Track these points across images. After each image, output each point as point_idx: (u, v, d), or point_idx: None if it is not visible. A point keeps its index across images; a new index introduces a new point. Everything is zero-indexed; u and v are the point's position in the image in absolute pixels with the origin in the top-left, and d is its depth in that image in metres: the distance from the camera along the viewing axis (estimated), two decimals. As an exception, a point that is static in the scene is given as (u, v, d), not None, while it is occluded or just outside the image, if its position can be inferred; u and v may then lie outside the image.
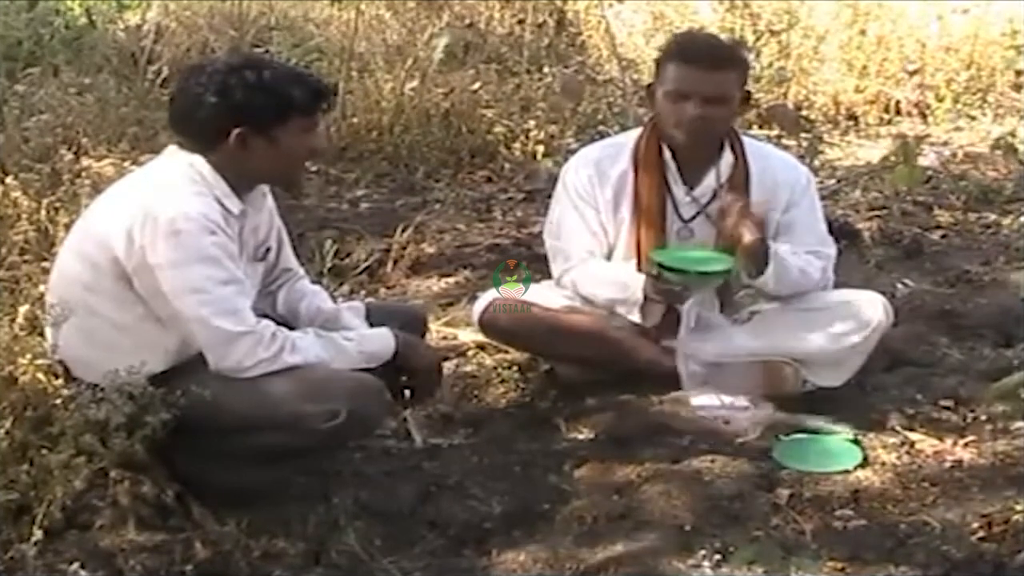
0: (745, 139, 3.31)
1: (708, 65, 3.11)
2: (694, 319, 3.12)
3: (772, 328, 3.22)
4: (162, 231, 2.54)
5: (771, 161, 3.29)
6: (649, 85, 3.26)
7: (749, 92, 3.28)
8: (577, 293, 3.27)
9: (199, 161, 2.65)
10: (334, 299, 3.07)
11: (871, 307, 3.20)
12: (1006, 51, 6.87)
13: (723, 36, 3.64)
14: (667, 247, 3.18)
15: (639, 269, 3.21)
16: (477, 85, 5.92)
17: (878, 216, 4.76)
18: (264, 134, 2.64)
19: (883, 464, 2.90)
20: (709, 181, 3.21)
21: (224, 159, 2.64)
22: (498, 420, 3.22)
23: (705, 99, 3.08)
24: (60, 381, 2.66)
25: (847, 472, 2.85)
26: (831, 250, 3.30)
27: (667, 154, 3.20)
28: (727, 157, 3.21)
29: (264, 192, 2.83)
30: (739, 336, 3.24)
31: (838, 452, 2.94)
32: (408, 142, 5.58)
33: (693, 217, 3.23)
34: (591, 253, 3.26)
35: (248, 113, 2.62)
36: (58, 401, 2.61)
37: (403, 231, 4.42)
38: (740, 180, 3.20)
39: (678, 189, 3.22)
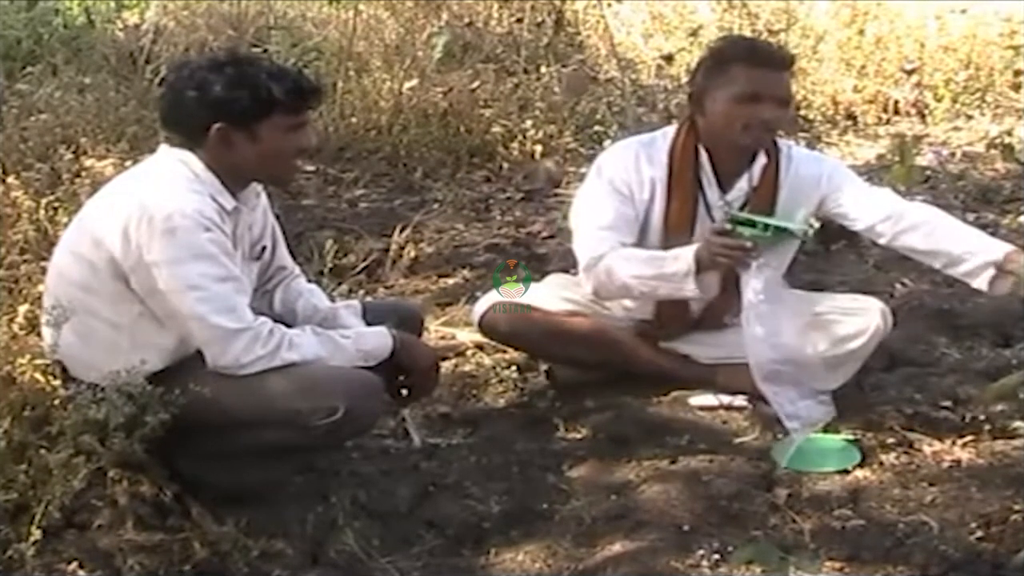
0: (789, 146, 3.28)
1: (781, 67, 3.11)
2: (761, 285, 2.99)
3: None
4: (158, 229, 2.53)
5: (797, 162, 3.23)
6: (698, 90, 3.15)
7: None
8: (610, 281, 3.09)
9: (191, 158, 2.65)
10: (332, 299, 3.07)
11: (870, 313, 3.19)
12: (1004, 51, 6.88)
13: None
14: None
15: None
16: (475, 85, 5.93)
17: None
18: (245, 129, 2.64)
19: (881, 464, 2.90)
20: (742, 184, 3.16)
21: (211, 155, 2.64)
22: (496, 420, 3.22)
23: (778, 101, 3.07)
24: (59, 381, 2.66)
25: (845, 472, 2.85)
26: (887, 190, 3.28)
27: (704, 157, 3.15)
28: (760, 160, 3.16)
29: (258, 191, 2.83)
30: (738, 338, 3.24)
31: (836, 452, 2.94)
32: (406, 142, 5.59)
33: None
34: (623, 244, 3.13)
35: (226, 108, 2.62)
36: (57, 401, 2.62)
37: (401, 231, 4.42)
38: (770, 183, 3.16)
39: (712, 192, 3.17)
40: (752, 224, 2.95)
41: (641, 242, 3.17)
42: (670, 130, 3.24)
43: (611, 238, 3.11)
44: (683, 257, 3.00)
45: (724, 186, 3.18)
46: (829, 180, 3.20)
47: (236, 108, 2.62)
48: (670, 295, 3.09)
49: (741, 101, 3.04)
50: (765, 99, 3.04)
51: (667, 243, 3.14)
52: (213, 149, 2.63)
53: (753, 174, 3.16)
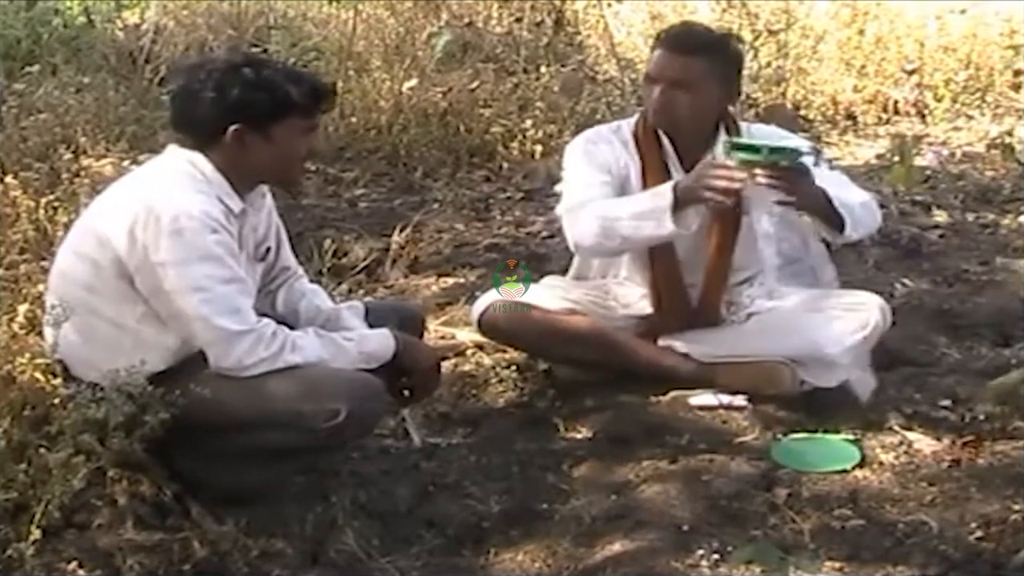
0: (748, 125, 3.30)
1: (675, 49, 3.12)
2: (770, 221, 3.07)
3: (770, 329, 3.22)
4: (165, 229, 2.54)
5: (759, 138, 3.20)
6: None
7: (738, 88, 3.26)
8: (590, 223, 3.09)
9: (200, 160, 2.65)
10: (333, 299, 3.07)
11: (869, 309, 3.20)
12: (1004, 51, 6.89)
13: (715, 28, 3.60)
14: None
15: (648, 261, 3.25)
16: (475, 84, 5.93)
17: (876, 216, 4.76)
18: (261, 132, 2.64)
19: (881, 464, 2.90)
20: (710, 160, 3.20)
21: (223, 157, 2.64)
22: (496, 420, 3.22)
23: (669, 83, 3.09)
24: (59, 380, 2.66)
25: (845, 472, 2.85)
26: (861, 189, 3.29)
27: (664, 140, 3.20)
28: (722, 137, 3.16)
29: (263, 192, 2.83)
30: (737, 337, 3.25)
31: (836, 452, 2.94)
32: (406, 141, 5.59)
33: None
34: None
35: (245, 110, 2.62)
36: (57, 400, 2.61)
37: (401, 230, 4.42)
38: None
39: (677, 174, 3.19)
40: (754, 149, 2.93)
41: None
42: (632, 119, 3.31)
43: (597, 192, 3.15)
44: (662, 192, 3.02)
45: (687, 167, 3.19)
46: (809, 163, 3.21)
47: (254, 110, 2.62)
48: (651, 237, 3.06)
49: (646, 81, 3.17)
50: (658, 80, 3.10)
51: None
52: (227, 151, 2.63)
53: (716, 154, 3.17)
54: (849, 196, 3.12)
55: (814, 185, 2.99)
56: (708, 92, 3.11)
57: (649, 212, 3.01)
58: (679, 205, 2.98)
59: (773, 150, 2.93)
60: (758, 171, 2.92)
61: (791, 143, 3.11)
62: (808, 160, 2.99)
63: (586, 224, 3.11)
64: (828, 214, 3.04)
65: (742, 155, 2.93)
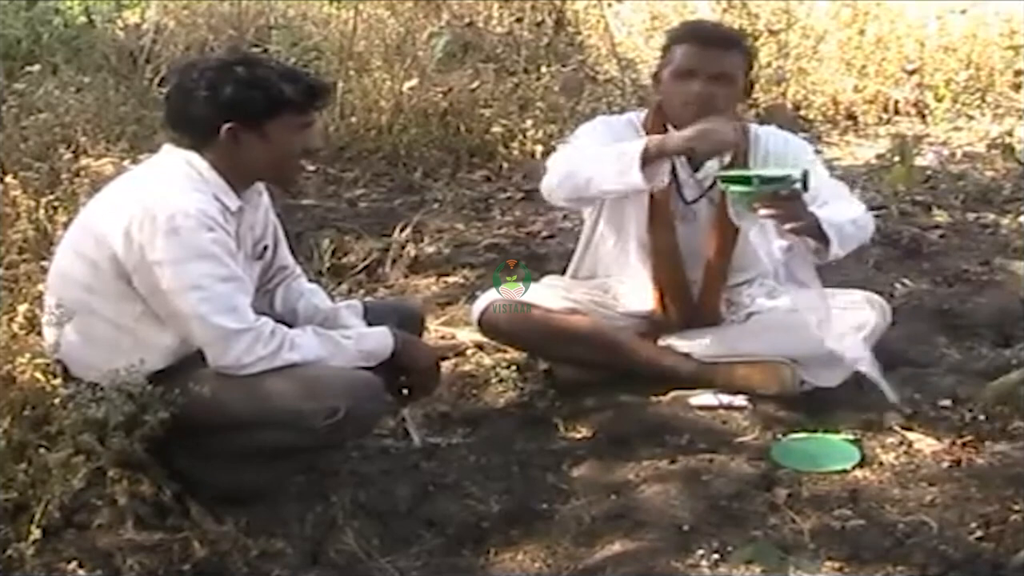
0: (755, 126, 3.32)
1: (714, 44, 3.15)
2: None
3: (769, 328, 3.22)
4: (161, 228, 2.53)
5: (765, 139, 3.28)
6: (656, 71, 3.27)
7: (752, 83, 3.30)
8: (565, 160, 3.15)
9: (196, 158, 2.65)
10: (332, 298, 3.07)
11: (868, 308, 3.20)
12: (1005, 51, 6.90)
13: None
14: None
15: (651, 256, 3.25)
16: (475, 84, 5.94)
17: (877, 216, 4.74)
18: (255, 129, 2.64)
19: (881, 464, 2.89)
20: (712, 163, 3.21)
21: (218, 155, 2.64)
22: (496, 419, 3.22)
23: (710, 77, 3.10)
24: (59, 380, 2.66)
25: (845, 472, 2.85)
26: (857, 201, 3.30)
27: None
28: None
29: (260, 190, 2.83)
30: (737, 336, 3.25)
31: (836, 452, 2.94)
32: (406, 141, 5.60)
33: (696, 199, 3.24)
34: None
35: (238, 108, 2.62)
36: (56, 400, 2.61)
37: (401, 230, 4.43)
38: (740, 161, 3.18)
39: (683, 171, 3.22)
40: (745, 180, 2.94)
41: (623, 222, 3.27)
42: (640, 114, 3.32)
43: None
44: (636, 143, 3.02)
45: (694, 165, 3.23)
46: (795, 159, 3.22)
47: (248, 107, 2.62)
48: (615, 184, 3.02)
49: (678, 77, 3.14)
50: (698, 75, 3.11)
51: (651, 222, 3.22)
52: (222, 149, 2.63)
53: (723, 154, 3.18)
54: (842, 213, 3.12)
55: (805, 210, 2.99)
56: (739, 86, 3.18)
57: (619, 154, 3.01)
58: (650, 157, 2.97)
59: (764, 180, 2.95)
60: (755, 204, 2.95)
61: (788, 166, 3.06)
62: (797, 186, 2.97)
63: (558, 166, 3.17)
64: (816, 236, 3.04)
65: (735, 188, 2.96)
